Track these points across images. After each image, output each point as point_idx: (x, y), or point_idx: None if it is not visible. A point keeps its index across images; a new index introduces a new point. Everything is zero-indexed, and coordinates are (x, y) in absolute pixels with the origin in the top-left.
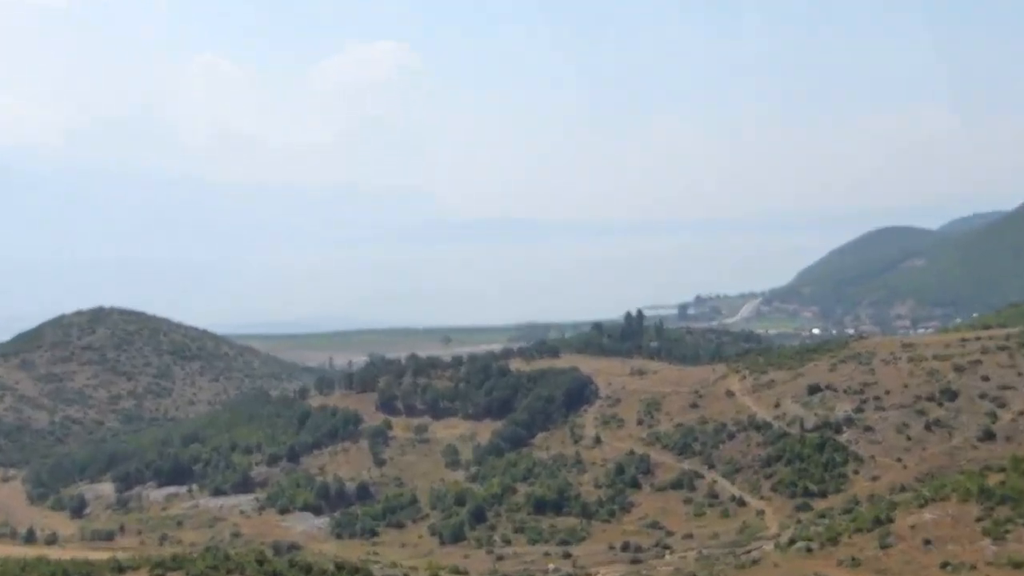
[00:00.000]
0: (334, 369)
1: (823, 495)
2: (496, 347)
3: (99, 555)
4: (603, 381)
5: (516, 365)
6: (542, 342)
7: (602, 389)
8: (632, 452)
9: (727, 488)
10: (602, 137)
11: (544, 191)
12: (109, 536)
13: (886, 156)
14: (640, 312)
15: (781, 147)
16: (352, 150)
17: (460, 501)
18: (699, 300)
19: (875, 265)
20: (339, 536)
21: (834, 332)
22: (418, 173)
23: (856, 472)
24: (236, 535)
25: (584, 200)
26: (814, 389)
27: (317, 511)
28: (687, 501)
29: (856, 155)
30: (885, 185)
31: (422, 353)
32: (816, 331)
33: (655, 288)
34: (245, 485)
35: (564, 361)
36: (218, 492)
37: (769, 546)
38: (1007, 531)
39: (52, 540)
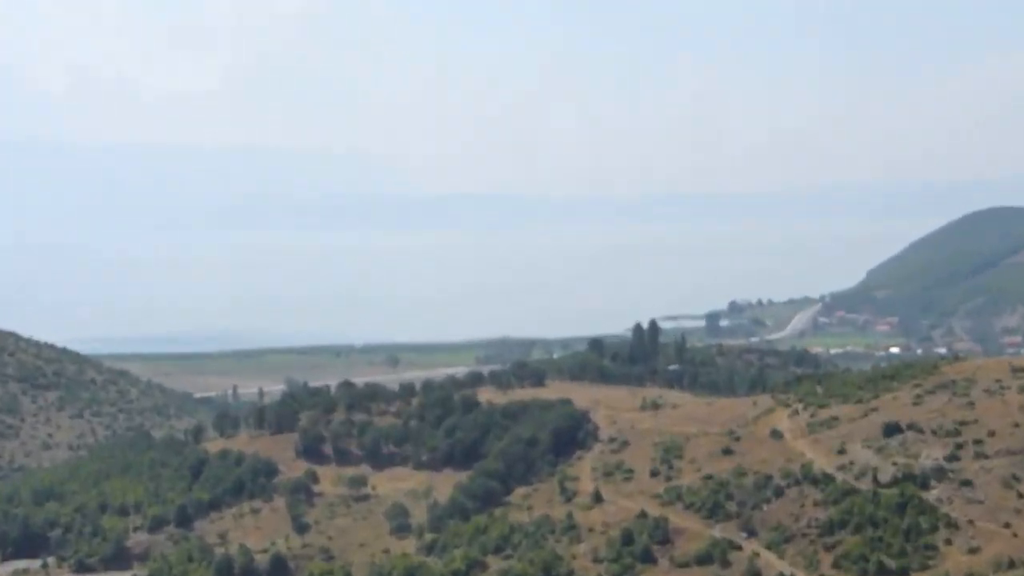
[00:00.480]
0: (239, 401)
1: (905, 573)
2: (460, 371)
3: None
4: (604, 417)
5: (487, 396)
6: (522, 364)
7: (603, 428)
8: (644, 514)
9: (773, 563)
10: (611, 90)
11: (531, 158)
12: None
13: (984, 116)
14: (655, 324)
15: (844, 107)
16: (252, 100)
17: None
18: (735, 308)
19: (973, 260)
20: None
21: (919, 351)
22: (346, 133)
23: (949, 542)
24: None
25: (586, 170)
26: (892, 429)
27: None
28: None
29: (945, 115)
30: (984, 153)
31: (359, 380)
32: (895, 350)
33: (676, 291)
34: (119, 559)
35: (552, 390)
36: (83, 568)
37: None
38: None
39: None
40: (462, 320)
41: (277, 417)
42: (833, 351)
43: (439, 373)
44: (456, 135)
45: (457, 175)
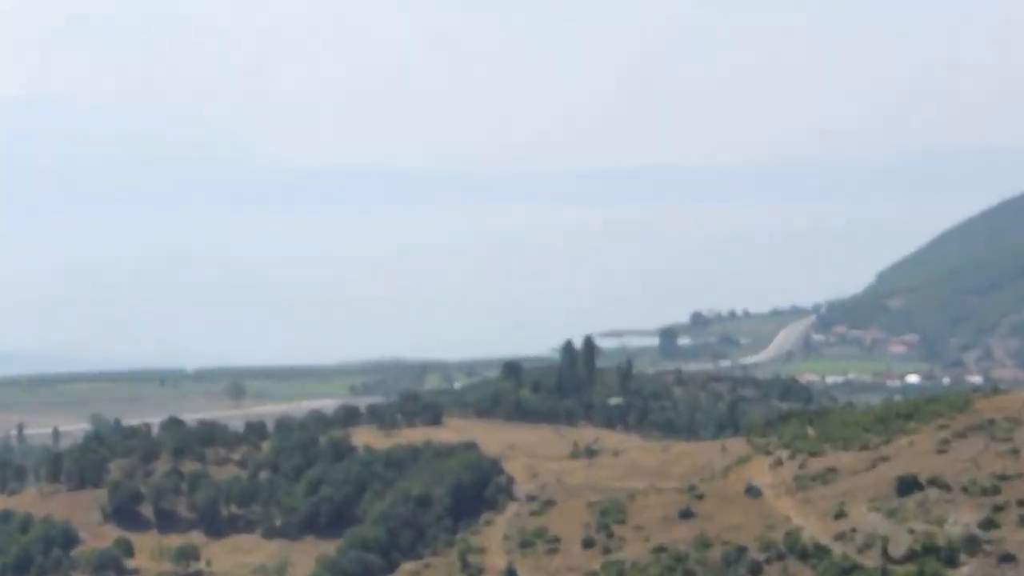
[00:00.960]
0: (25, 445)
1: None
2: (329, 405)
3: None
4: (522, 468)
5: (365, 439)
6: (412, 396)
7: (520, 483)
8: None
9: None
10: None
11: (435, 122)
12: None
13: None
14: (591, 343)
15: (843, 53)
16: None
17: None
18: (699, 321)
19: (1020, 258)
20: None
21: (946, 381)
22: (174, 88)
23: None
24: None
25: (497, 136)
26: (909, 486)
27: None
28: None
29: (978, 62)
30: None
31: (191, 416)
32: (913, 379)
33: (620, 298)
34: None
35: (452, 431)
36: None
37: None
38: None
39: None
40: (332, 335)
41: (78, 467)
42: (831, 379)
43: (300, 408)
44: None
45: (322, 143)
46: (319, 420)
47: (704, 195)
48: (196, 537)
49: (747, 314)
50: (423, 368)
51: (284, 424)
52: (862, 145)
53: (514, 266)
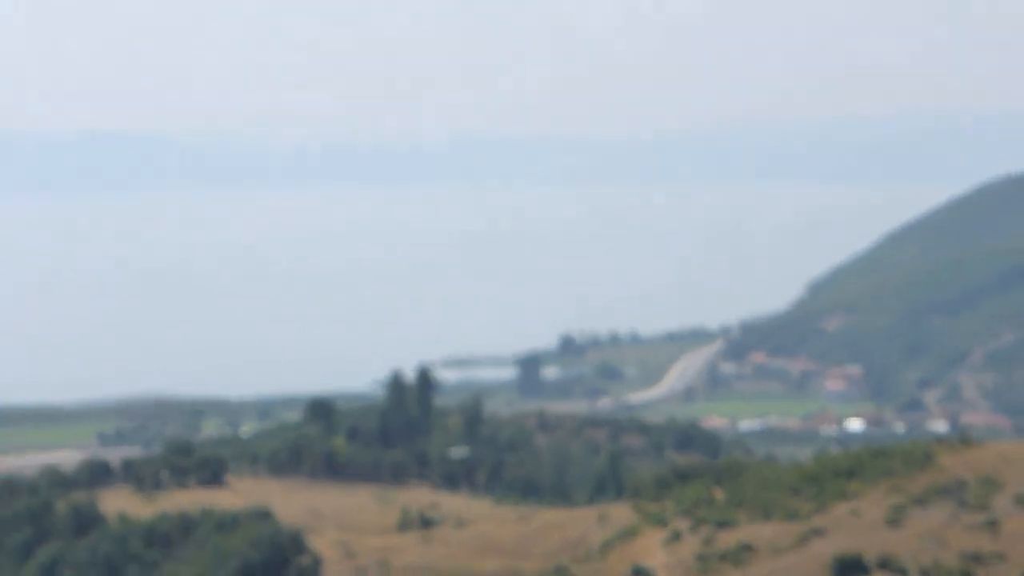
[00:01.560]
0: None
1: None
2: (68, 458)
3: None
4: (333, 544)
5: (119, 504)
6: (182, 447)
7: (331, 564)
8: None
9: None
10: None
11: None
12: None
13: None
14: (427, 375)
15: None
16: None
17: None
18: (569, 347)
19: (998, 264)
20: None
21: (899, 428)
22: None
23: None
24: None
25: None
26: (850, 568)
27: None
28: None
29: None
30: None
31: None
32: (855, 425)
33: (465, 317)
34: None
35: (237, 495)
36: None
37: None
38: None
39: None
40: (73, 363)
41: None
42: (745, 425)
43: (27, 463)
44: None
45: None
46: (55, 479)
47: (576, 175)
48: None
49: (634, 337)
50: (198, 409)
51: (8, 484)
52: (794, 111)
53: (318, 275)
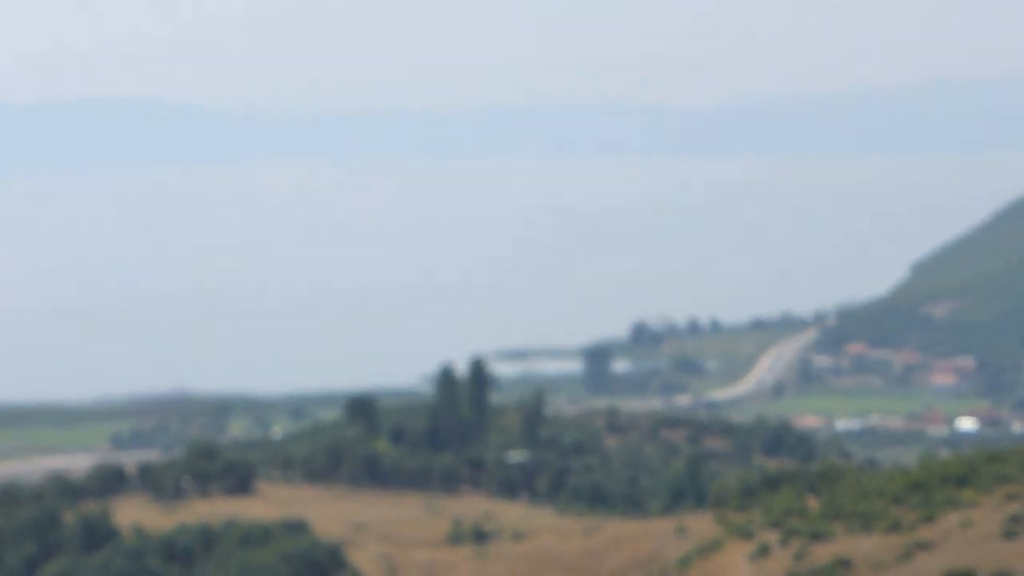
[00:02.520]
0: None
1: None
2: (78, 463)
3: None
4: (376, 559)
5: (135, 515)
6: (206, 450)
7: None
8: None
9: None
10: None
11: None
12: None
13: None
14: (481, 369)
15: None
16: None
17: None
18: (643, 336)
19: None
20: None
21: (1017, 427)
22: None
23: None
24: None
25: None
26: None
27: None
28: None
29: None
30: None
31: None
32: (968, 423)
33: (521, 304)
34: None
35: (268, 504)
36: None
37: None
38: None
39: None
40: (84, 356)
41: None
42: (842, 425)
43: (33, 468)
44: None
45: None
46: (63, 487)
47: (644, 144)
48: None
49: (716, 326)
50: (223, 406)
51: (10, 493)
52: (890, 78)
53: (359, 254)
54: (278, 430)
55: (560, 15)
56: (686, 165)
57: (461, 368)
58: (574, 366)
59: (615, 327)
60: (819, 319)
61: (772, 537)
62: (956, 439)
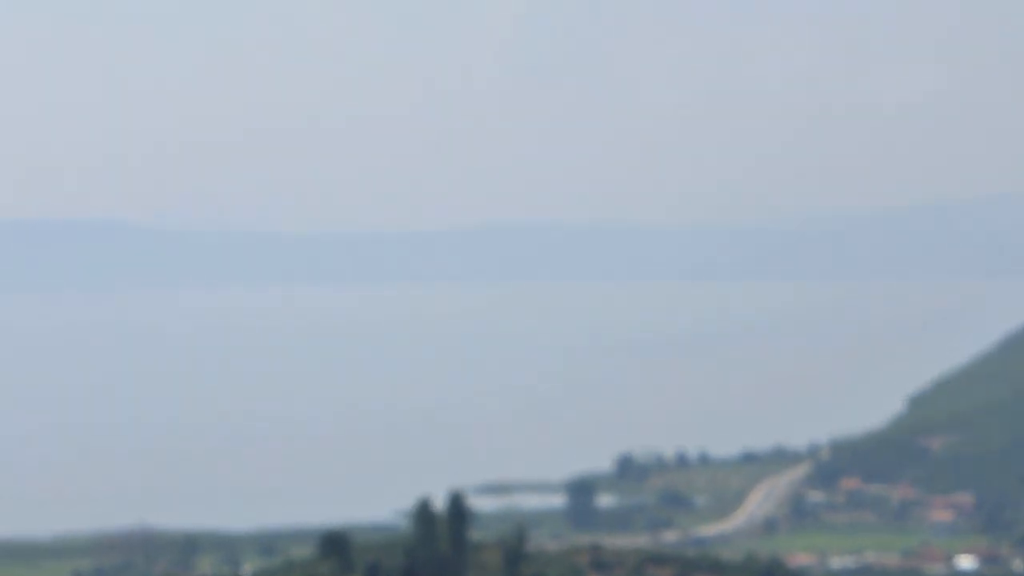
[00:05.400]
0: None
1: None
2: None
3: None
4: None
5: None
6: None
7: None
8: None
9: None
10: None
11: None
12: None
13: None
14: (460, 503)
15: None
16: None
17: None
18: (629, 469)
19: None
20: None
21: (1021, 566)
22: None
23: None
24: None
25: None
26: None
27: None
28: None
29: None
30: None
31: None
32: (968, 562)
33: (501, 436)
34: None
35: None
36: None
37: None
38: None
39: None
40: (44, 490)
41: None
42: (836, 562)
43: None
44: None
45: None
46: None
47: (634, 267)
48: None
49: (705, 459)
50: (190, 543)
51: None
52: (892, 198)
53: (338, 387)
54: (248, 568)
55: None
56: (669, 290)
57: (439, 503)
58: (557, 501)
59: (599, 460)
60: (813, 452)
61: None
62: None
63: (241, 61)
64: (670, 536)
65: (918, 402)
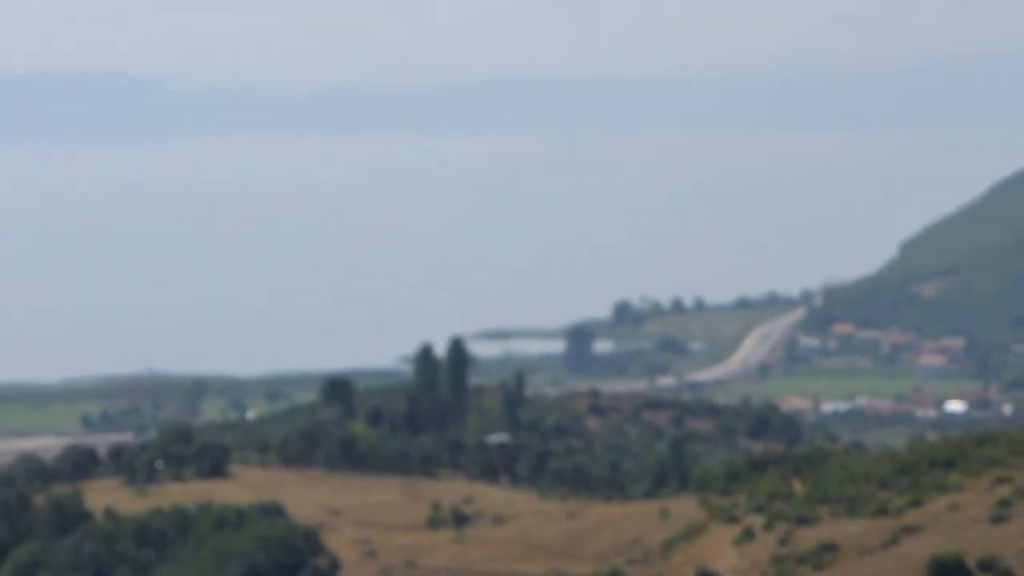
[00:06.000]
0: None
1: None
2: (48, 445)
3: None
4: (353, 544)
5: (107, 498)
6: (180, 432)
7: (350, 566)
8: None
9: None
10: None
11: None
12: None
13: None
14: (460, 349)
15: None
16: None
17: None
18: (626, 316)
19: None
20: None
21: (1007, 410)
22: None
23: None
24: None
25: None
26: (950, 571)
27: None
28: None
29: None
30: None
31: None
32: (957, 405)
33: (501, 282)
34: None
35: (242, 488)
36: None
37: None
38: None
39: None
40: (55, 337)
41: None
42: (829, 406)
43: (3, 451)
44: None
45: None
46: (34, 470)
47: (628, 116)
48: None
49: (700, 305)
50: (197, 388)
51: None
52: (875, 49)
53: (340, 233)
54: (253, 412)
55: None
56: (652, 135)
57: (440, 349)
58: (555, 347)
59: (597, 307)
60: (806, 298)
61: (757, 521)
62: (945, 421)
63: None
64: (666, 381)
65: (909, 248)
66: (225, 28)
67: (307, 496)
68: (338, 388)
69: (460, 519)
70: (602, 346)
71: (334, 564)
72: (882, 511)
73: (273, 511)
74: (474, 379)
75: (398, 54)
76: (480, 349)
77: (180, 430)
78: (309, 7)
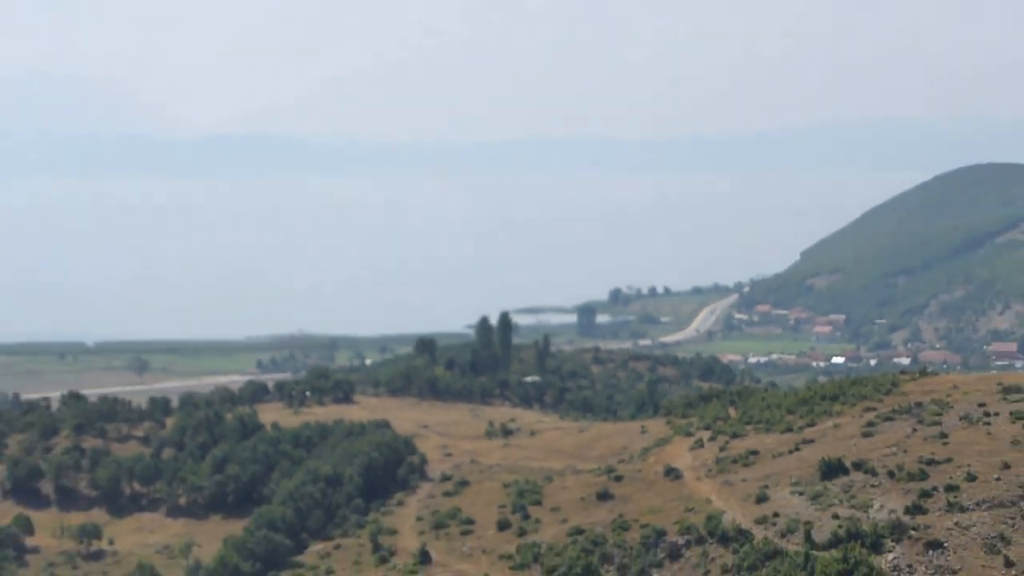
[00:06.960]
0: None
1: None
2: (235, 381)
3: None
4: (436, 448)
5: (273, 416)
6: (322, 373)
7: (434, 463)
8: None
9: None
10: None
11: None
12: None
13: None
14: (507, 320)
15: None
16: None
17: None
18: (618, 299)
19: (951, 238)
20: None
21: (872, 362)
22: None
23: None
24: None
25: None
26: (833, 470)
27: None
28: None
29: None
30: (975, 88)
31: (92, 391)
32: (838, 359)
33: (537, 275)
34: None
35: (363, 409)
36: None
37: None
38: None
39: None
40: (239, 308)
41: None
42: (753, 359)
43: (205, 384)
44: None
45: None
46: (225, 397)
47: (623, 168)
48: (98, 515)
49: (668, 292)
50: (333, 344)
51: (189, 400)
52: (791, 114)
53: (428, 242)
54: (370, 360)
55: None
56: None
57: (493, 319)
58: (570, 319)
59: (599, 292)
60: (739, 288)
61: (705, 435)
62: (831, 370)
63: None
64: (645, 342)
65: (807, 255)
66: None
67: (405, 416)
68: (426, 344)
69: (507, 432)
70: (602, 318)
71: (423, 460)
72: (788, 429)
73: (383, 425)
74: (516, 340)
75: None
76: (520, 320)
77: (321, 371)
78: None
